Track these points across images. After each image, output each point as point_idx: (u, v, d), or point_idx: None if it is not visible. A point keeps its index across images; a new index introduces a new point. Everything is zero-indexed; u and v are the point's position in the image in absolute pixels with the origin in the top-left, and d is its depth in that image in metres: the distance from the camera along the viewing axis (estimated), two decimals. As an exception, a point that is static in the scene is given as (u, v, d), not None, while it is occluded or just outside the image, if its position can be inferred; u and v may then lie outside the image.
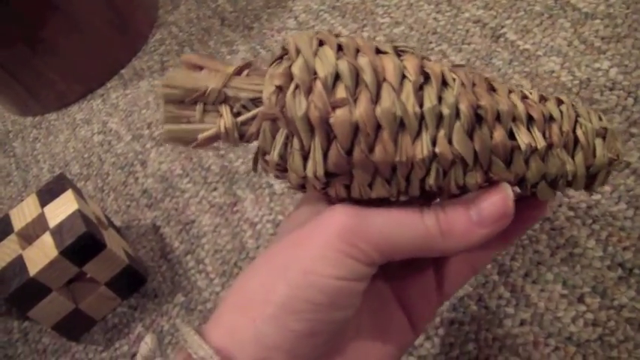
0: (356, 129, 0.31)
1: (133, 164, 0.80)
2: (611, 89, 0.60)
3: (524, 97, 0.35)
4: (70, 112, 0.94)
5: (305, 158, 0.32)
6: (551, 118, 0.34)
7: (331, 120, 0.30)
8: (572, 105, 0.36)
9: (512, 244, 0.51)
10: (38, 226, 0.62)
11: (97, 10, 0.92)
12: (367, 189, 0.33)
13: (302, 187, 0.34)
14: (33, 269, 0.58)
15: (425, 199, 0.35)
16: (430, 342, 0.51)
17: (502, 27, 0.70)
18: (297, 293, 0.33)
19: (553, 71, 0.64)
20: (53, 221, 0.61)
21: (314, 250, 0.33)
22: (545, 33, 0.68)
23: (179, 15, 0.99)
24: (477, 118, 0.32)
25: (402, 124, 0.31)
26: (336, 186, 0.33)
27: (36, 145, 0.92)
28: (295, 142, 0.31)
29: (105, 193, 0.78)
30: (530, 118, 0.33)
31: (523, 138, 0.32)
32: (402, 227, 0.33)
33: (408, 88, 0.31)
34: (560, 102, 0.35)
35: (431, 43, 0.73)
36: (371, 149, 0.31)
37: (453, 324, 0.51)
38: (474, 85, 0.33)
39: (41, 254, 0.59)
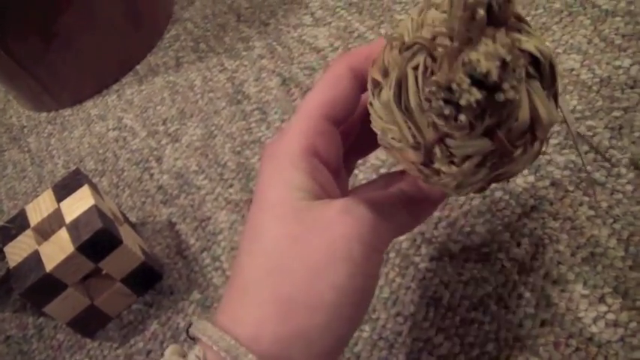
0: None
1: (149, 160, 0.79)
2: (632, 87, 0.59)
3: None
4: (85, 107, 0.94)
5: None
6: None
7: None
8: None
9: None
10: (54, 221, 0.62)
11: (113, 4, 0.92)
12: None
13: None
14: (49, 265, 0.58)
15: None
16: (450, 342, 0.51)
17: (521, 24, 0.70)
18: (344, 300, 0.35)
19: (573, 69, 0.63)
20: (69, 216, 0.61)
21: (350, 254, 0.35)
22: (564, 30, 0.67)
23: (194, 11, 0.99)
24: None
25: None
26: None
27: (51, 140, 0.92)
28: None
29: (120, 189, 0.78)
30: None
31: None
32: (397, 225, 0.39)
33: None
34: None
35: (449, 40, 0.72)
36: None
37: (472, 324, 0.51)
38: None
39: (57, 249, 0.59)
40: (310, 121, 0.39)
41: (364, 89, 0.39)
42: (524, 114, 0.31)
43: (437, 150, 0.32)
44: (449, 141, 0.31)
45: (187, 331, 0.37)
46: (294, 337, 0.33)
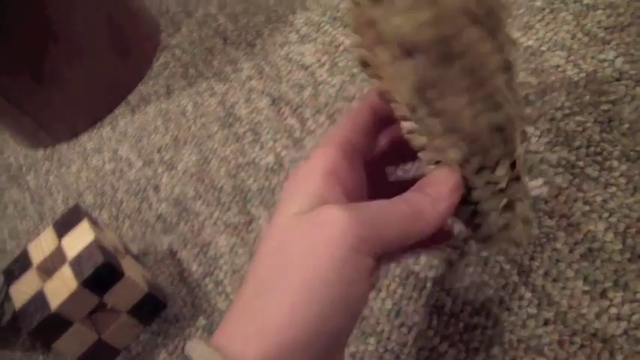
0: None
1: (146, 190, 0.80)
2: (618, 79, 0.59)
3: None
4: (81, 141, 0.95)
5: None
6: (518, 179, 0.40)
7: None
8: None
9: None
10: (57, 258, 0.63)
11: (101, 37, 0.92)
12: None
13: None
14: (54, 302, 0.58)
15: None
16: (455, 348, 0.51)
17: (504, 25, 0.70)
18: (324, 318, 0.34)
19: (558, 66, 0.63)
20: (71, 253, 0.61)
21: (328, 258, 0.34)
22: (547, 28, 0.67)
23: (181, 37, 0.99)
24: None
25: None
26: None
27: (49, 177, 0.93)
28: None
29: (120, 220, 0.79)
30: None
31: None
32: (389, 218, 0.37)
33: None
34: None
35: (434, 46, 0.72)
36: None
37: (476, 329, 0.51)
38: None
39: (61, 286, 0.59)
40: (331, 147, 0.40)
41: (383, 125, 0.43)
42: None
43: None
44: None
45: (183, 350, 0.37)
46: (274, 354, 0.34)
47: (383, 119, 0.42)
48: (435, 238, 0.48)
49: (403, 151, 0.42)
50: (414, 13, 0.34)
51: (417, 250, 0.54)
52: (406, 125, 0.39)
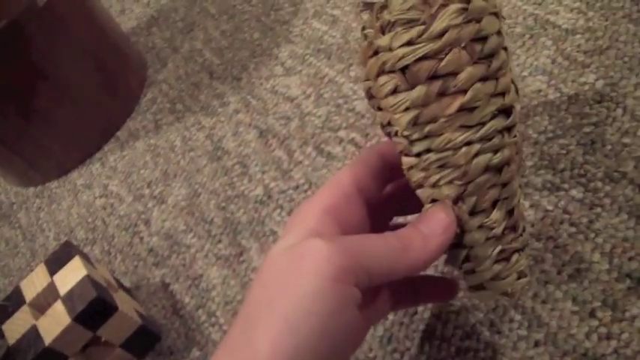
0: None
1: (137, 224, 0.80)
2: (599, 102, 0.60)
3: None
4: (71, 178, 0.95)
5: None
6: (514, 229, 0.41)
7: None
8: None
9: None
10: (49, 294, 0.63)
11: (87, 75, 0.93)
12: None
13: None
14: (48, 338, 0.58)
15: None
16: (447, 372, 0.51)
17: (486, 52, 0.71)
18: (309, 349, 0.33)
19: (540, 90, 0.64)
20: (63, 289, 0.61)
21: (309, 288, 0.34)
22: (528, 53, 0.68)
23: (168, 73, 1.00)
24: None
25: None
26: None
27: (40, 214, 0.93)
28: None
29: (112, 255, 0.79)
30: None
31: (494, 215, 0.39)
32: (374, 248, 0.37)
33: None
34: None
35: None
36: None
37: (468, 352, 0.51)
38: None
39: (54, 322, 0.59)
40: (334, 186, 0.41)
41: (391, 174, 0.44)
42: None
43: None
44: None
45: None
46: None
47: (394, 169, 0.42)
48: (441, 293, 0.49)
49: (409, 201, 0.43)
50: (418, 44, 0.35)
51: (422, 303, 0.55)
52: (405, 160, 0.39)
